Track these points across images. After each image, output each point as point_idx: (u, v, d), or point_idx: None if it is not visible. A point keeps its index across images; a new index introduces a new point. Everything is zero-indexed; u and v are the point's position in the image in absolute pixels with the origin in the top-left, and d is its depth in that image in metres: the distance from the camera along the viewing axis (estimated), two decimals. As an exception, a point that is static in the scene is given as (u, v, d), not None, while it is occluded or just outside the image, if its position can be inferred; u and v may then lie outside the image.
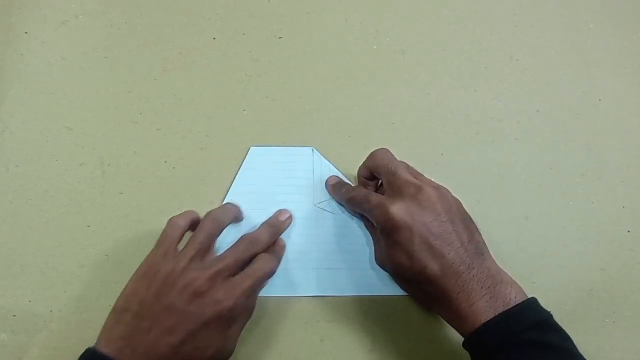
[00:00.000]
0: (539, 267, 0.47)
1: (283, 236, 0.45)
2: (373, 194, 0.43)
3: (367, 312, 0.45)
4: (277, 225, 0.45)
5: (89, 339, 0.44)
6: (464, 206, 0.41)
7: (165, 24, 0.54)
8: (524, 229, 0.49)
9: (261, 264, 0.40)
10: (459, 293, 0.35)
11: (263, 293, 0.44)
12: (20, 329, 0.43)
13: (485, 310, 0.35)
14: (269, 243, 0.42)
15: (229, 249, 0.39)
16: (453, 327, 0.37)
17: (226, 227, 0.42)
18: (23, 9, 0.53)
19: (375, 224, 0.41)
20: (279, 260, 0.43)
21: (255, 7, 0.55)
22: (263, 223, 0.44)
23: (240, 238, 0.40)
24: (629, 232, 0.49)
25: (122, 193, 0.48)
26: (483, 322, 0.34)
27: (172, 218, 0.40)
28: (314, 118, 0.51)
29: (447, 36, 0.55)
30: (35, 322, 0.44)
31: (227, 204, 0.45)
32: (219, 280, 0.36)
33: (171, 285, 0.35)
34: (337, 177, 0.48)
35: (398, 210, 0.38)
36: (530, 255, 0.48)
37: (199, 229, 0.40)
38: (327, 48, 0.54)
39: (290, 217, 0.46)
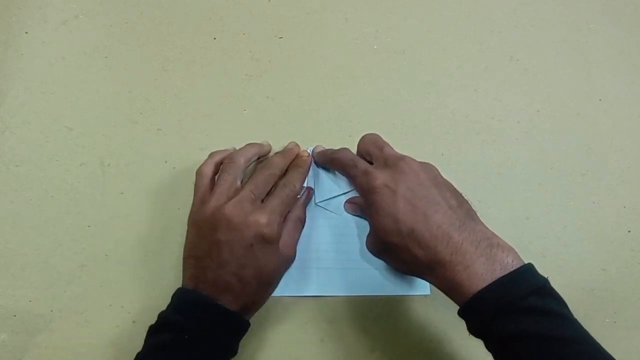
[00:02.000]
0: (539, 267, 0.47)
1: None
2: (359, 159, 0.43)
3: (367, 312, 0.45)
4: (288, 149, 0.46)
5: (89, 339, 0.44)
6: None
7: (165, 24, 0.54)
8: (524, 229, 0.49)
9: (281, 185, 0.42)
10: (452, 255, 0.34)
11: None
12: (20, 329, 0.43)
13: (482, 274, 0.33)
14: (283, 164, 0.44)
15: (247, 180, 0.42)
16: (447, 295, 0.36)
17: (249, 161, 0.44)
18: (23, 9, 0.53)
19: (359, 192, 0.41)
20: (303, 175, 0.45)
21: (255, 7, 0.55)
22: None
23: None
24: (629, 232, 0.49)
25: (122, 193, 0.48)
26: (481, 287, 0.33)
27: (198, 168, 0.43)
28: (314, 118, 0.51)
29: (447, 36, 0.55)
30: (35, 322, 0.44)
31: (247, 144, 0.46)
32: (247, 205, 0.39)
33: (212, 225, 0.39)
34: (322, 146, 0.48)
35: (382, 176, 0.38)
36: (530, 255, 0.47)
37: (219, 173, 0.42)
38: (327, 48, 0.54)
39: (298, 146, 0.47)
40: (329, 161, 0.46)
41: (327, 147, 0.48)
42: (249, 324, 0.39)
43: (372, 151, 0.43)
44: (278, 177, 0.43)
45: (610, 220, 0.49)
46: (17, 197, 0.47)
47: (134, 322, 0.44)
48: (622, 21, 0.57)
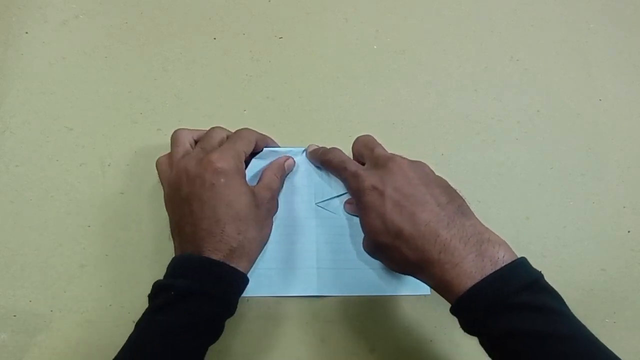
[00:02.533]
0: (539, 267, 0.47)
1: (285, 239, 0.45)
2: (351, 161, 0.43)
3: (367, 312, 0.45)
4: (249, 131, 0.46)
5: (89, 339, 0.44)
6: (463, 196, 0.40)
7: (165, 24, 0.54)
8: (524, 229, 0.49)
9: (232, 135, 0.43)
10: (440, 253, 0.34)
11: (263, 293, 0.44)
12: (20, 329, 0.43)
13: (471, 271, 0.33)
14: (232, 132, 0.44)
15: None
16: (439, 293, 0.35)
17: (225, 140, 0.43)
18: (23, 9, 0.53)
19: (351, 194, 0.41)
20: (253, 137, 0.44)
21: (255, 7, 0.55)
22: None
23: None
24: (629, 232, 0.49)
25: (122, 193, 0.48)
26: (470, 285, 0.32)
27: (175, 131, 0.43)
28: (314, 118, 0.51)
29: (447, 36, 0.55)
30: (35, 322, 0.44)
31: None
32: (199, 154, 0.40)
33: (176, 186, 0.40)
34: (315, 145, 0.48)
35: (370, 178, 0.38)
36: (530, 255, 0.47)
37: (202, 136, 0.43)
38: (327, 48, 0.54)
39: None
40: (320, 162, 0.46)
41: (320, 146, 0.48)
42: (243, 276, 0.38)
43: (363, 152, 0.43)
44: (225, 135, 0.43)
45: (610, 220, 0.49)
46: (17, 197, 0.47)
47: (134, 322, 0.44)
48: (622, 21, 0.57)
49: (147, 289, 0.45)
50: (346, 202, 0.47)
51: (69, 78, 0.51)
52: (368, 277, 0.45)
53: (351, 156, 0.45)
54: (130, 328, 0.44)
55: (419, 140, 0.51)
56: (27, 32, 0.52)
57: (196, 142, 0.43)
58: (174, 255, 0.39)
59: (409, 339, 0.45)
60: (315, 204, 0.47)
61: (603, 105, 0.53)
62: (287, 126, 0.51)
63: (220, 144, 0.42)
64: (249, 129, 0.45)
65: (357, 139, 0.44)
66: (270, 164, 0.45)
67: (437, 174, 0.42)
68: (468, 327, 0.34)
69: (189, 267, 0.36)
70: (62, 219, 0.47)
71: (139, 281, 0.45)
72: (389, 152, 0.43)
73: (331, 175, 0.48)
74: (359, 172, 0.40)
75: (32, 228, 0.46)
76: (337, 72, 0.53)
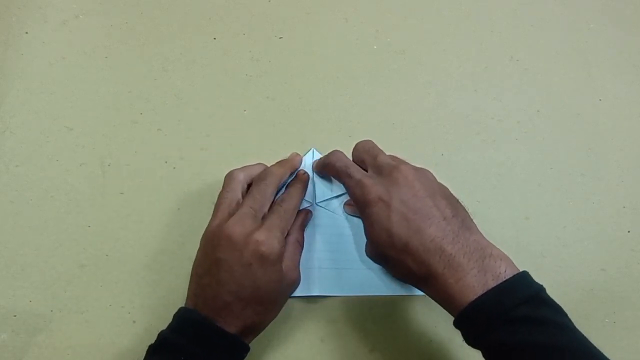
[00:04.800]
0: (539, 267, 0.47)
1: None
2: (354, 166, 0.42)
3: (367, 312, 0.45)
4: (287, 159, 0.46)
5: (89, 339, 0.44)
6: (463, 204, 0.41)
7: (165, 24, 0.54)
8: (524, 229, 0.49)
9: (280, 201, 0.42)
10: (444, 268, 0.34)
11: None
12: (21, 329, 0.43)
13: (473, 285, 0.33)
14: (281, 173, 0.44)
15: (247, 194, 0.42)
16: (442, 306, 0.36)
17: (250, 177, 0.43)
18: (23, 9, 0.53)
19: (354, 202, 0.41)
20: (301, 191, 0.45)
21: (255, 7, 0.55)
22: None
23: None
24: (629, 232, 0.49)
25: (122, 193, 0.48)
26: (472, 299, 0.33)
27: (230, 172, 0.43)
28: (314, 118, 0.51)
29: (447, 36, 0.55)
30: (35, 322, 0.44)
31: (278, 163, 0.46)
32: (248, 222, 0.38)
33: (213, 242, 0.39)
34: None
35: (375, 188, 0.38)
36: (530, 255, 0.48)
37: (254, 187, 0.42)
38: (327, 48, 0.54)
39: (299, 156, 0.47)
40: (322, 166, 0.45)
41: (323, 154, 0.47)
42: (248, 348, 0.38)
43: (365, 159, 0.42)
44: (275, 186, 0.43)
45: (610, 220, 0.49)
46: (17, 197, 0.47)
47: (134, 322, 0.44)
48: (622, 21, 0.57)
49: (147, 289, 0.45)
50: (345, 204, 0.47)
51: (69, 78, 0.51)
52: (368, 277, 0.45)
53: (350, 157, 0.45)
54: (131, 328, 0.44)
55: (419, 140, 0.51)
56: (27, 32, 0.52)
57: (249, 184, 0.43)
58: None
59: (409, 339, 0.45)
60: (316, 203, 0.47)
61: (603, 105, 0.53)
62: (287, 126, 0.51)
63: (271, 197, 0.42)
64: (299, 189, 0.45)
65: (358, 145, 0.44)
66: (295, 225, 0.45)
67: (437, 174, 0.42)
68: (470, 340, 0.35)
69: (202, 334, 0.36)
70: (62, 219, 0.47)
71: (139, 281, 0.45)
72: (389, 154, 0.43)
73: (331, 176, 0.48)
74: (363, 181, 0.39)
75: (32, 228, 0.46)
76: (337, 72, 0.53)
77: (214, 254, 0.38)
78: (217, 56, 0.53)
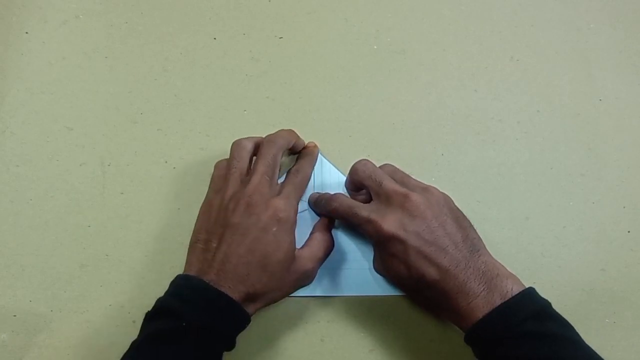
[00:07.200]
0: (539, 267, 0.47)
1: None
2: (358, 205, 0.41)
3: (367, 312, 0.45)
4: (288, 130, 0.46)
5: (89, 339, 0.44)
6: (462, 206, 0.41)
7: (165, 24, 0.54)
8: (524, 229, 0.49)
9: (294, 172, 0.44)
10: (457, 293, 0.36)
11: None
12: (21, 329, 0.44)
13: (482, 305, 0.35)
14: (290, 136, 0.44)
15: (255, 160, 0.42)
16: (453, 323, 0.38)
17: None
18: (23, 9, 0.53)
19: (368, 238, 0.41)
20: (312, 161, 0.46)
21: (255, 7, 0.55)
22: None
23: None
24: (629, 232, 0.49)
25: (122, 193, 0.48)
26: (480, 317, 0.35)
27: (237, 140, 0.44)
28: (314, 118, 0.51)
29: (447, 36, 0.55)
30: (35, 322, 0.44)
31: (281, 130, 0.46)
32: (266, 190, 0.39)
33: (228, 208, 0.39)
34: (317, 193, 0.47)
35: (389, 224, 0.38)
36: (530, 255, 0.48)
37: (262, 150, 0.43)
38: (327, 48, 0.54)
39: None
40: (326, 212, 0.44)
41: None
42: (249, 319, 0.38)
43: (370, 186, 0.42)
44: (285, 149, 0.43)
45: (610, 220, 0.49)
46: (17, 197, 0.47)
47: (134, 322, 0.44)
48: (622, 21, 0.57)
49: (147, 289, 0.45)
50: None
51: (69, 78, 0.51)
52: (368, 278, 0.45)
53: (350, 161, 0.45)
54: (131, 328, 0.44)
55: (419, 140, 0.51)
56: (27, 32, 0.52)
57: (255, 149, 0.43)
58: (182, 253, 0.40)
59: (409, 339, 0.45)
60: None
61: (603, 105, 0.53)
62: (287, 126, 0.50)
63: (279, 158, 0.42)
64: (310, 161, 0.46)
65: (355, 168, 0.43)
66: (321, 224, 0.45)
67: (437, 174, 0.42)
68: (480, 357, 0.37)
69: (205, 299, 0.36)
70: (62, 219, 0.47)
71: (139, 281, 0.45)
72: (387, 164, 0.43)
73: (331, 175, 0.48)
74: (372, 218, 0.39)
75: (32, 228, 0.46)
76: (337, 72, 0.53)
77: (228, 219, 0.38)
78: (217, 56, 0.53)
